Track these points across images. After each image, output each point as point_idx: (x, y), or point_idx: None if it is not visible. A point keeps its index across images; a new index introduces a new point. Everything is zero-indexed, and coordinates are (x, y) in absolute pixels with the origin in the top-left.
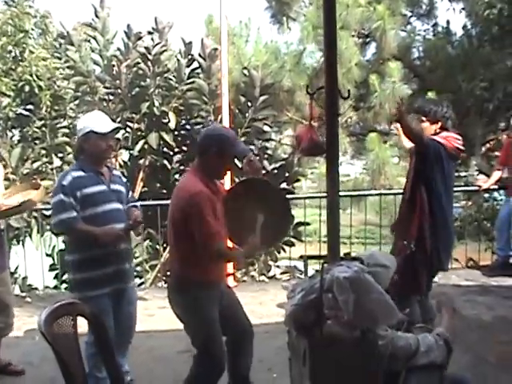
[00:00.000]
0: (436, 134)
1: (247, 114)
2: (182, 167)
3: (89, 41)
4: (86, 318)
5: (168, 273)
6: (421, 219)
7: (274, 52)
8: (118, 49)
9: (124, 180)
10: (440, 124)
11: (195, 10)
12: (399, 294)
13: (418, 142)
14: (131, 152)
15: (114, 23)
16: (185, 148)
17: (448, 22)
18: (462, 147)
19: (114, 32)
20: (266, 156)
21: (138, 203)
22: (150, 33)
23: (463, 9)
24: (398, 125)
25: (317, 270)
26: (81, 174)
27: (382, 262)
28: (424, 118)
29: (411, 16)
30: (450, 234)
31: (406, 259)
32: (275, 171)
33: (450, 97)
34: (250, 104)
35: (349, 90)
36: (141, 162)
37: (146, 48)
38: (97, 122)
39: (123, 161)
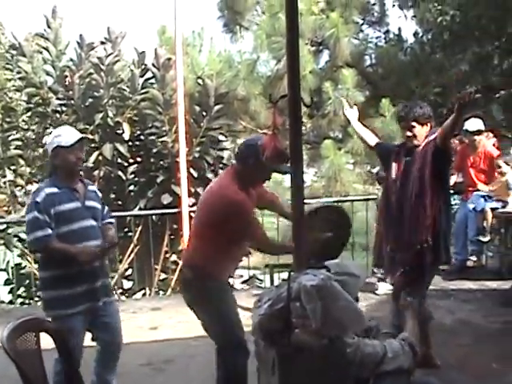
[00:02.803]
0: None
1: (202, 124)
2: (136, 178)
3: (41, 52)
4: (50, 334)
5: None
6: (435, 221)
7: (228, 61)
8: (71, 59)
9: (99, 195)
10: (429, 124)
11: (147, 20)
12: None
13: (449, 138)
14: (85, 163)
15: (66, 33)
16: (139, 159)
17: (399, 29)
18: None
19: (67, 42)
20: (221, 165)
21: (113, 219)
22: (102, 43)
23: (414, 16)
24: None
25: (284, 279)
26: (54, 190)
27: (352, 271)
28: (414, 124)
29: (363, 24)
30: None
31: (414, 259)
32: None
33: (403, 103)
34: (204, 113)
35: (312, 98)
36: (95, 173)
37: (99, 58)
38: (61, 135)
39: None
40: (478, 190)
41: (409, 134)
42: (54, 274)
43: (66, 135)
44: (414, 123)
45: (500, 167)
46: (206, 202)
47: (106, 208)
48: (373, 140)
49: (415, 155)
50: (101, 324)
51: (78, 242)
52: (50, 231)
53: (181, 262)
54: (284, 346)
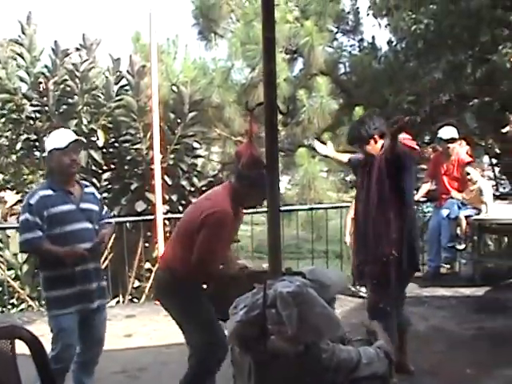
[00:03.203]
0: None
1: (176, 131)
2: (110, 185)
3: (15, 58)
4: (25, 342)
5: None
6: (399, 232)
7: (203, 68)
8: (46, 66)
9: (98, 197)
10: (377, 137)
11: (122, 26)
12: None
13: (395, 153)
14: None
15: (40, 40)
16: (113, 166)
17: (373, 38)
18: (416, 146)
19: (41, 49)
20: (195, 173)
21: (112, 220)
22: (77, 49)
23: (388, 25)
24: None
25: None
26: (49, 192)
27: (322, 279)
28: (357, 145)
29: (337, 32)
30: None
31: (381, 272)
32: (204, 188)
33: (377, 111)
34: (179, 121)
35: (288, 106)
36: None
37: (74, 65)
38: (57, 138)
39: None
40: (452, 198)
41: (361, 153)
42: (49, 274)
43: (61, 137)
44: (355, 145)
45: (469, 174)
46: (193, 208)
47: (106, 209)
48: (345, 156)
49: (373, 167)
50: (89, 326)
51: (70, 244)
52: (39, 233)
53: (157, 266)
54: (260, 353)
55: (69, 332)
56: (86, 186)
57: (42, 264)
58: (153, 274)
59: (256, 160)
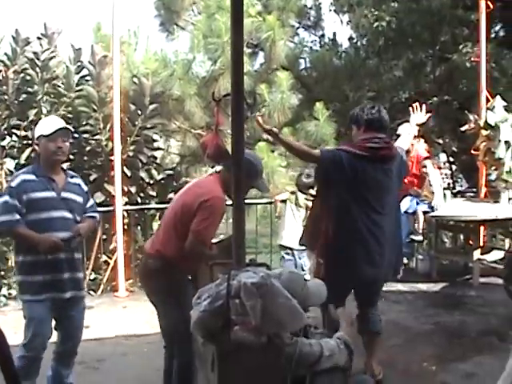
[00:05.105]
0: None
1: (137, 123)
2: None
3: None
4: None
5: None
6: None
7: (164, 60)
8: (6, 54)
9: (85, 189)
10: (364, 127)
11: (84, 17)
12: None
13: (307, 157)
14: (17, 161)
15: (1, 28)
16: (72, 156)
17: (334, 34)
18: (376, 145)
19: (1, 37)
20: (154, 165)
21: (96, 214)
22: (38, 38)
23: (349, 21)
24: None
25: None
26: (31, 177)
27: (297, 289)
28: (353, 126)
29: (299, 27)
30: (363, 246)
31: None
32: (163, 181)
33: (337, 107)
34: (139, 112)
35: (254, 97)
36: None
37: (35, 53)
38: (44, 124)
39: (9, 170)
40: (410, 194)
41: None
42: (23, 259)
43: (48, 124)
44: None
45: (425, 167)
46: (185, 195)
47: (91, 202)
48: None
49: None
50: (66, 317)
51: (45, 231)
52: (17, 216)
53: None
54: (224, 343)
55: (39, 320)
56: (72, 177)
57: (17, 248)
58: (110, 267)
59: (222, 151)
